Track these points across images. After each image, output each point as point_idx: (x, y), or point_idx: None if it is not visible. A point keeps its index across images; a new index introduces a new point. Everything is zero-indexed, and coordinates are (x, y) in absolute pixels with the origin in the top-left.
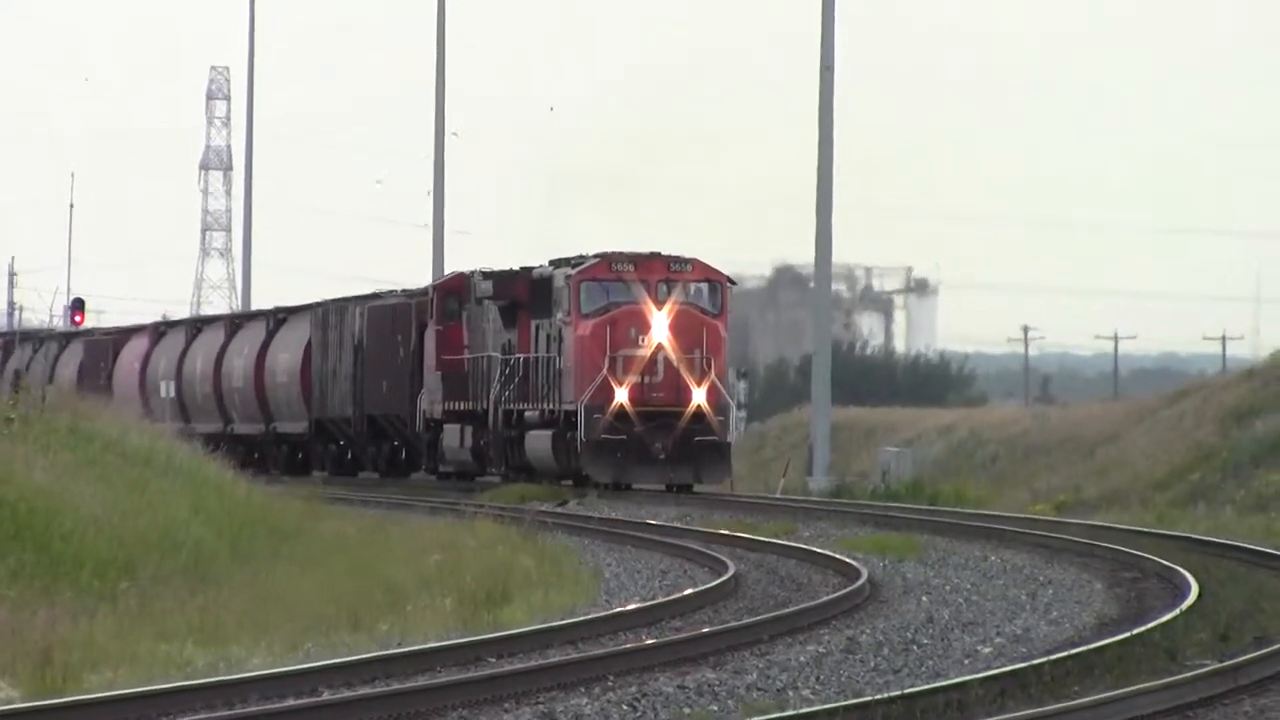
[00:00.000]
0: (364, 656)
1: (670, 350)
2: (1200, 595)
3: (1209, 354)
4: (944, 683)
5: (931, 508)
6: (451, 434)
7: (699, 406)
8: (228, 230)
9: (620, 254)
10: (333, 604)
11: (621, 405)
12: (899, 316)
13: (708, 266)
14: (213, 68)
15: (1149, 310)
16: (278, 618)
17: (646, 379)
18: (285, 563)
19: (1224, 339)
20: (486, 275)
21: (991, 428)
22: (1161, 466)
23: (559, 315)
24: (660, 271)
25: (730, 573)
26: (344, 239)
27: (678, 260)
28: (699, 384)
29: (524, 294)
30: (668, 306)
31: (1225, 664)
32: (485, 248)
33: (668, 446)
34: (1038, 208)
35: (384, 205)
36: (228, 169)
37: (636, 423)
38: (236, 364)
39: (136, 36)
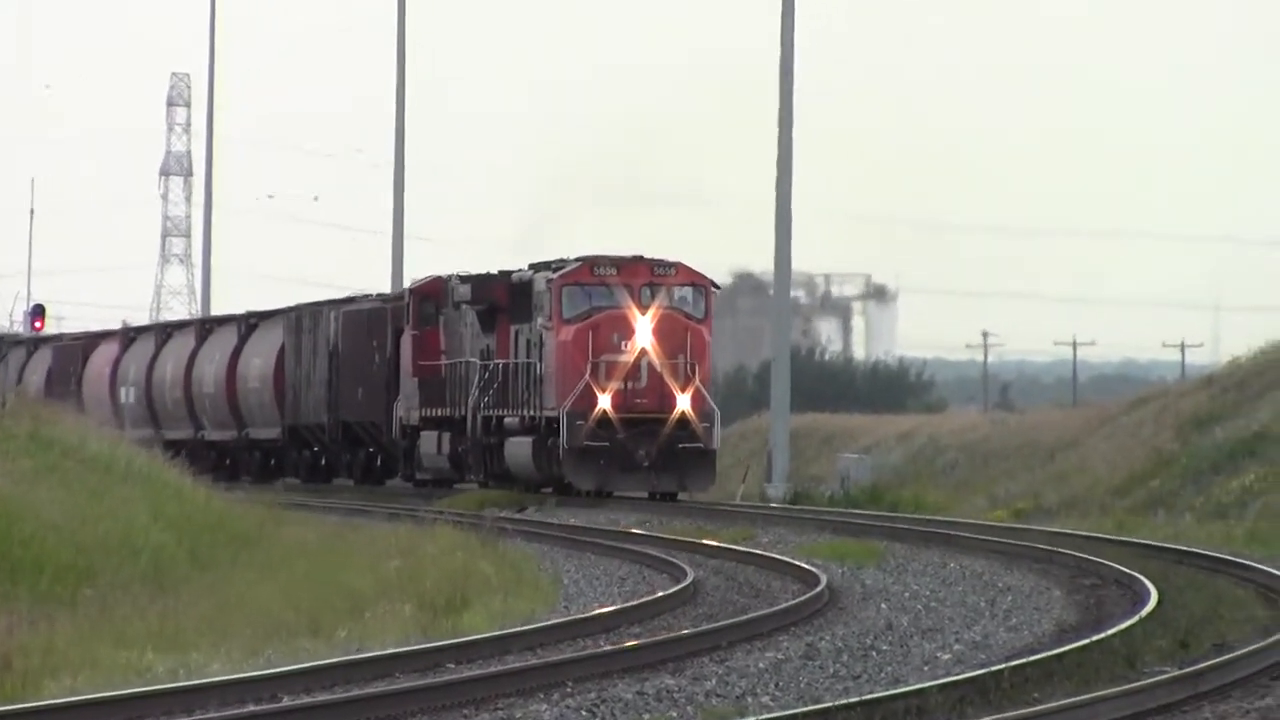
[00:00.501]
0: (324, 662)
1: (654, 355)
2: (1160, 602)
3: (1168, 361)
4: (903, 689)
5: (890, 514)
6: (429, 441)
7: (683, 413)
8: (188, 236)
9: (602, 257)
10: (292, 610)
11: (604, 411)
12: (858, 323)
13: (692, 270)
14: (173, 74)
15: (1108, 317)
16: (237, 624)
17: (630, 385)
18: (245, 569)
19: (1183, 346)
20: (464, 279)
21: (950, 434)
22: (1121, 473)
23: (540, 320)
24: (643, 275)
25: (689, 579)
26: (306, 245)
27: (661, 264)
28: (683, 390)
29: (503, 298)
30: (651, 311)
31: (1185, 671)
32: (467, 254)
33: (651, 453)
34: (996, 214)
35: (348, 211)
36: (188, 175)
37: (619, 429)
38: (208, 369)
39: (97, 43)
